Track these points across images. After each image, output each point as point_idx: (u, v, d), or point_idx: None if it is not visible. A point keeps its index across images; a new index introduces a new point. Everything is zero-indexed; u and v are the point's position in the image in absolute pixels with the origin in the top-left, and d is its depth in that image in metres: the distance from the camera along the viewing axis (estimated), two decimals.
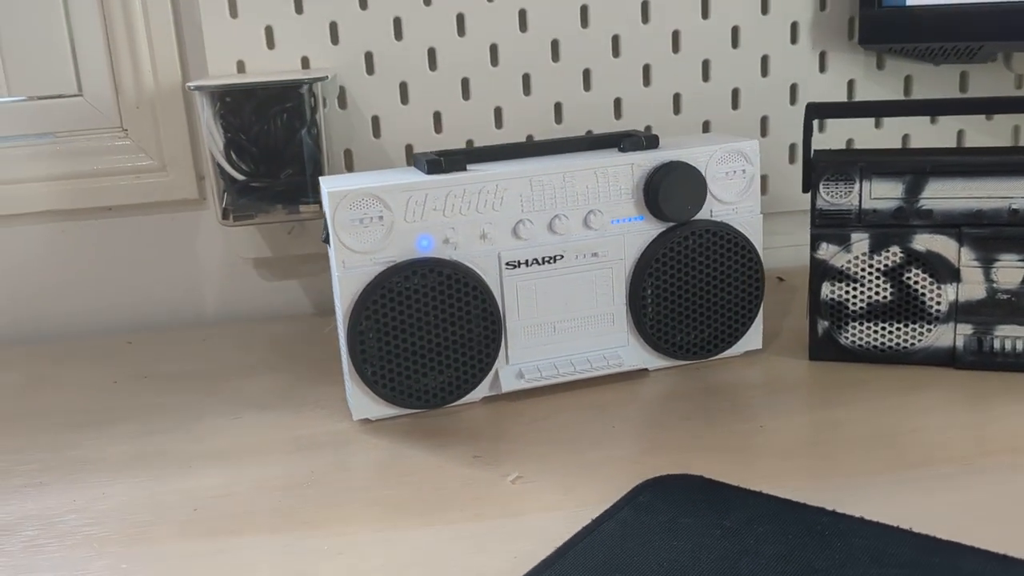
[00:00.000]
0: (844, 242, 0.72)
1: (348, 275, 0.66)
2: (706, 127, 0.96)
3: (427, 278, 0.66)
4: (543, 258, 0.70)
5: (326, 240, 0.67)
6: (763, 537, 0.50)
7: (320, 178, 0.70)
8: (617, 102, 0.94)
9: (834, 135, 0.97)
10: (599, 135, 0.74)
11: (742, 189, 0.73)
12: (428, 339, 0.67)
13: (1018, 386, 0.68)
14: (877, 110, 0.74)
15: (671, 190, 0.70)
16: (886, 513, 0.52)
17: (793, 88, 0.96)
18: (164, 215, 0.94)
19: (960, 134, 0.98)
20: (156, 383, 0.80)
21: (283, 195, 0.80)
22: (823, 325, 0.74)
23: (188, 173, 0.92)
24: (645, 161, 0.70)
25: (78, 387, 0.81)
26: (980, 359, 0.71)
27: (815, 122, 0.97)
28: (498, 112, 0.93)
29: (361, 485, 0.61)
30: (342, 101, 0.90)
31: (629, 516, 0.53)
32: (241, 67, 0.88)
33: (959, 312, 0.71)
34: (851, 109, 0.73)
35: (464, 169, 0.68)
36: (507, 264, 0.69)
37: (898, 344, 0.72)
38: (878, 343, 0.73)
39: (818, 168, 0.72)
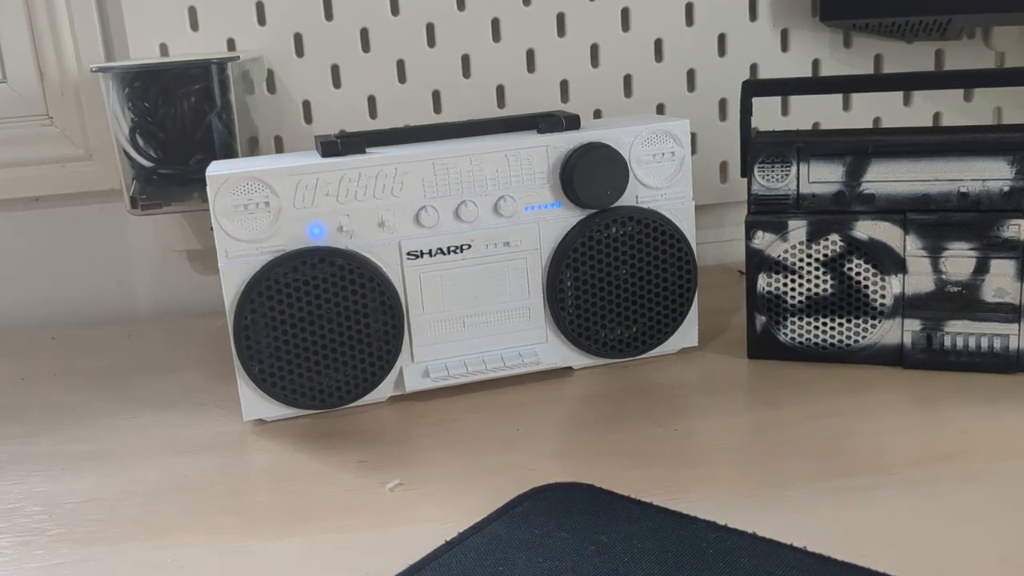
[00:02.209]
0: (781, 230, 0.66)
1: (232, 265, 0.61)
2: (660, 110, 0.90)
3: (317, 268, 0.61)
4: (449, 247, 0.65)
5: (213, 228, 0.63)
6: (639, 555, 0.45)
7: (212, 163, 0.66)
8: (564, 84, 0.89)
9: (798, 119, 0.91)
10: (515, 116, 0.69)
11: (671, 173, 0.67)
12: (321, 334, 0.62)
13: (969, 387, 0.62)
14: (822, 86, 0.68)
15: (588, 174, 0.64)
16: (787, 529, 0.47)
17: (753, 68, 0.90)
18: (92, 206, 0.90)
19: (936, 116, 0.92)
20: (66, 380, 0.77)
21: (197, 183, 0.76)
22: (761, 320, 0.68)
23: (115, 162, 0.88)
24: (561, 143, 0.65)
25: None
26: (930, 357, 0.65)
27: (776, 104, 0.91)
28: (436, 96, 0.88)
29: (232, 490, 0.56)
30: (271, 85, 0.86)
31: (500, 529, 0.48)
32: (164, 50, 0.84)
33: (906, 306, 0.65)
34: (792, 86, 0.67)
35: (363, 152, 0.64)
36: (408, 254, 0.64)
37: (840, 341, 0.66)
38: (819, 340, 0.67)
39: (753, 150, 0.66)
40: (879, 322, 0.65)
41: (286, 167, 0.61)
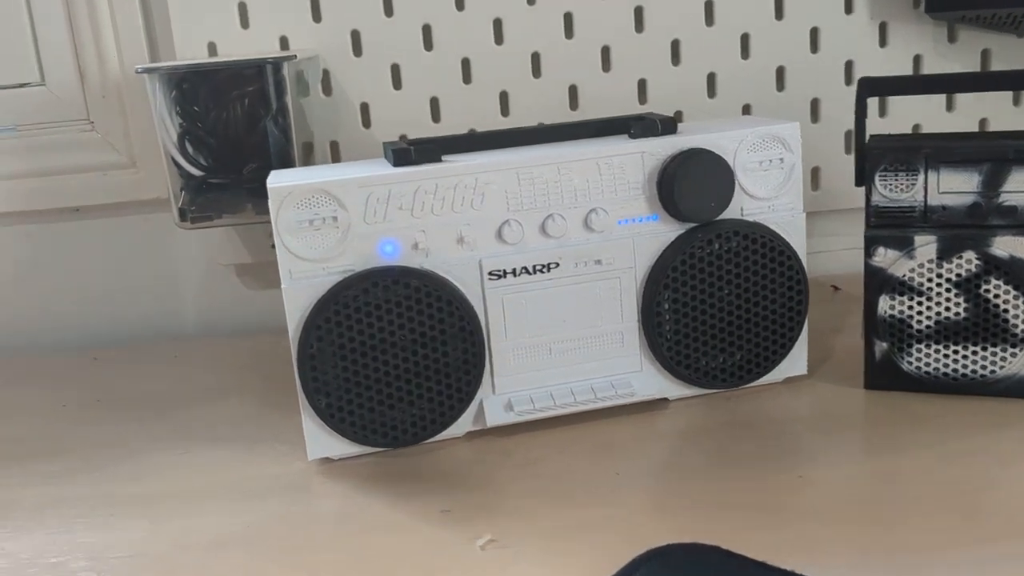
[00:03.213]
0: (906, 246, 0.59)
1: (296, 287, 0.55)
2: (746, 112, 0.83)
3: (390, 291, 0.55)
4: (534, 266, 0.58)
5: (273, 247, 0.57)
6: None
7: (272, 172, 0.59)
8: (642, 84, 0.82)
9: (897, 120, 0.83)
10: (605, 120, 0.62)
11: (780, 183, 0.60)
12: (395, 364, 0.56)
13: None
14: (947, 84, 0.60)
15: (690, 184, 0.57)
16: None
17: (848, 66, 0.82)
18: (135, 216, 0.84)
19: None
20: (108, 408, 0.71)
21: (252, 193, 0.70)
22: (881, 347, 0.61)
23: (160, 170, 0.82)
24: (658, 149, 0.58)
25: (23, 411, 0.71)
26: None
27: (874, 103, 0.83)
28: (503, 97, 0.81)
29: (299, 544, 0.50)
30: (326, 87, 0.80)
31: None
32: (212, 49, 0.78)
33: None
34: (915, 84, 0.60)
35: (438, 160, 0.57)
36: (490, 274, 0.57)
37: (974, 372, 0.59)
38: (949, 370, 0.59)
39: (872, 156, 0.59)
40: (1020, 350, 0.58)
41: (355, 178, 0.55)
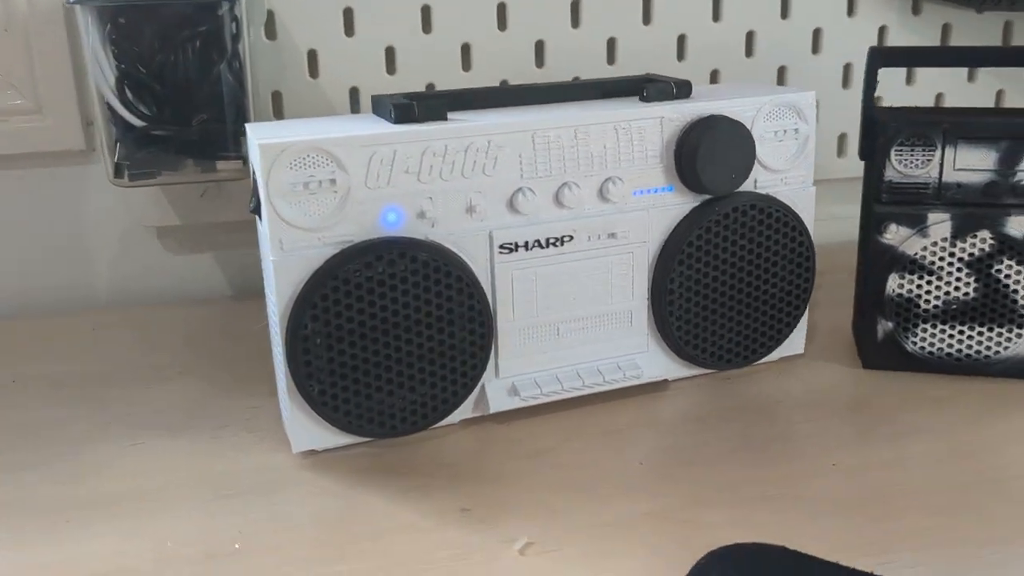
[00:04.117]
0: (918, 224, 0.57)
1: (288, 260, 0.48)
2: (713, 77, 0.80)
3: (396, 265, 0.49)
4: (547, 240, 0.53)
5: (255, 211, 0.49)
6: None
7: (248, 125, 0.52)
8: (611, 43, 0.77)
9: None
10: (614, 80, 0.58)
11: (794, 154, 0.57)
12: (396, 347, 0.50)
13: None
14: (960, 58, 0.59)
15: (712, 154, 0.54)
16: None
17: (816, 33, 0.80)
18: (42, 170, 0.74)
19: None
20: (29, 390, 0.62)
21: (195, 147, 0.61)
22: (886, 326, 0.59)
23: (72, 117, 0.72)
24: (678, 115, 0.54)
25: None
26: None
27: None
28: (466, 49, 0.75)
29: (307, 554, 0.44)
30: (270, 30, 0.71)
31: None
32: None
33: None
34: (926, 56, 0.58)
35: (444, 118, 0.51)
36: (501, 247, 0.52)
37: (979, 352, 0.58)
38: (953, 350, 0.59)
39: (890, 130, 0.57)
40: None
41: (357, 135, 0.48)
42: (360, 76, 0.74)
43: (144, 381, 0.62)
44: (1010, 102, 0.85)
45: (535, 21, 0.75)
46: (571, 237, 0.53)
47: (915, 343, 0.59)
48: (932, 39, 0.82)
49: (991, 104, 0.85)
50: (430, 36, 0.74)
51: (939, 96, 0.83)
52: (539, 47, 0.76)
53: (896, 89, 0.82)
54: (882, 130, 0.57)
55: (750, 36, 0.79)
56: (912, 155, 0.57)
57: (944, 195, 0.57)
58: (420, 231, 0.50)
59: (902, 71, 0.82)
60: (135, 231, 0.76)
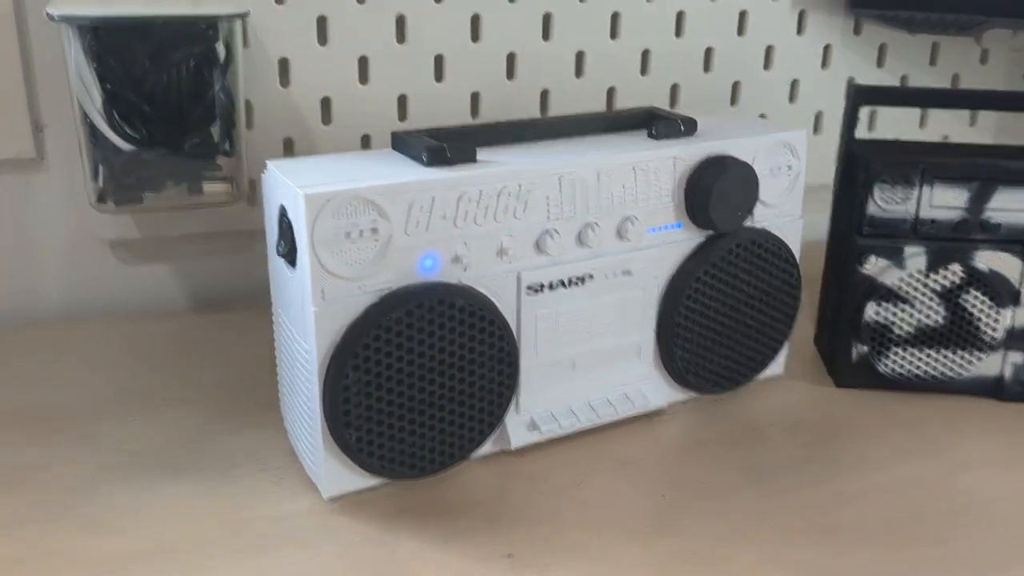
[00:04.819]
0: (896, 256, 0.61)
1: (329, 310, 0.47)
2: (674, 91, 0.82)
3: (435, 311, 0.49)
4: (569, 279, 0.54)
5: (286, 256, 0.48)
6: None
7: (271, 163, 0.50)
8: (580, 56, 0.78)
9: (805, 110, 0.86)
10: (621, 115, 0.58)
11: (786, 189, 0.60)
12: (430, 390, 0.50)
13: None
14: (938, 99, 0.63)
15: (723, 194, 0.56)
16: None
17: (768, 51, 0.84)
18: None
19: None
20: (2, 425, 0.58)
21: (183, 170, 0.59)
22: (860, 350, 0.63)
23: (20, 121, 0.67)
24: (687, 155, 0.56)
25: None
26: None
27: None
28: (439, 61, 0.74)
29: None
30: (244, 37, 0.69)
31: None
32: None
33: (1011, 339, 0.62)
34: (907, 96, 0.62)
35: (474, 160, 0.51)
36: (528, 288, 0.53)
37: (943, 373, 0.63)
38: (920, 371, 0.63)
39: (873, 169, 0.60)
40: (985, 355, 0.62)
41: (398, 183, 0.47)
42: (332, 86, 0.72)
43: (125, 411, 0.60)
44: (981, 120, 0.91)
45: (508, 33, 0.75)
46: (591, 276, 0.54)
47: (887, 365, 0.63)
48: (870, 56, 0.87)
49: (967, 123, 0.91)
50: (404, 46, 0.73)
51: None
52: (511, 60, 0.76)
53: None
54: (865, 167, 0.61)
55: (708, 53, 0.82)
56: (893, 192, 0.61)
57: (920, 230, 0.61)
58: (454, 275, 0.50)
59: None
60: (87, 243, 0.72)
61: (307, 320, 0.47)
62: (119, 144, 0.56)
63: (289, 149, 0.72)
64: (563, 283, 0.54)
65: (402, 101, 0.74)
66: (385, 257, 0.48)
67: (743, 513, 0.51)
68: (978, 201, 0.60)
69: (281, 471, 0.54)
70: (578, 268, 0.54)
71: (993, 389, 0.63)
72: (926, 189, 0.60)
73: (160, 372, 0.65)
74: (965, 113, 0.91)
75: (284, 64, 0.70)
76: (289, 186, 0.47)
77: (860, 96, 0.63)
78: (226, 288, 0.76)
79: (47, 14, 0.54)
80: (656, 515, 0.51)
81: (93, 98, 0.55)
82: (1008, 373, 0.63)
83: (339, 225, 0.46)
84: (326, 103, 0.72)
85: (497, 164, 0.51)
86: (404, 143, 0.52)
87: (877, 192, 0.61)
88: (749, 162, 0.57)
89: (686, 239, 0.57)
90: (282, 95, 0.71)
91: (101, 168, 0.57)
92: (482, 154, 0.52)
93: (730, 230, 0.58)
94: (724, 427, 0.60)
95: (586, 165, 0.52)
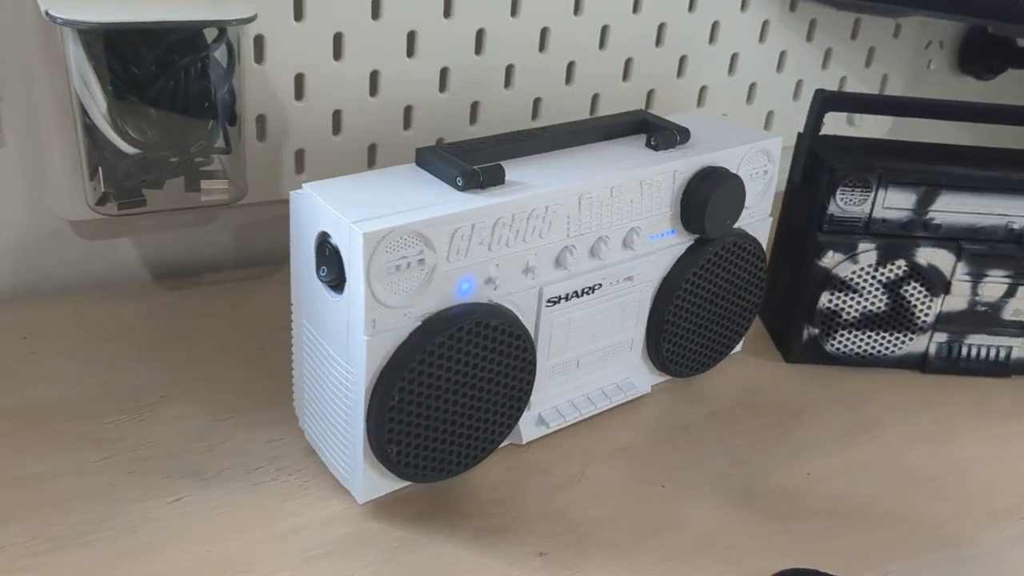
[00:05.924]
0: (850, 251, 0.68)
1: (379, 339, 0.49)
2: (628, 65, 0.84)
3: (472, 333, 0.51)
4: (582, 289, 0.57)
5: (331, 282, 0.49)
6: None
7: (307, 186, 0.50)
8: (544, 32, 0.79)
9: (742, 83, 0.91)
10: (615, 122, 0.61)
11: (761, 191, 0.65)
12: (463, 403, 0.53)
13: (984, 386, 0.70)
14: (897, 108, 0.68)
15: (717, 205, 0.60)
16: None
17: (714, 26, 0.87)
18: None
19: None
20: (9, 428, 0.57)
21: (184, 172, 0.58)
22: (811, 331, 0.70)
23: None
24: (685, 167, 0.59)
25: None
26: (947, 364, 0.72)
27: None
28: (411, 36, 0.74)
29: None
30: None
31: None
32: None
33: (938, 321, 0.70)
34: (872, 104, 0.67)
35: (503, 181, 0.53)
36: (548, 301, 0.56)
37: (879, 352, 0.71)
38: (860, 350, 0.71)
39: (837, 173, 0.66)
40: (916, 335, 0.71)
41: (444, 215, 0.49)
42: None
43: (117, 408, 0.60)
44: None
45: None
46: (600, 285, 0.58)
47: (833, 345, 0.71)
48: (802, 31, 0.92)
49: None
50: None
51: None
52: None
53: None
54: (829, 171, 0.66)
55: (661, 28, 0.84)
56: (852, 195, 0.67)
57: (872, 228, 0.68)
58: (485, 295, 0.53)
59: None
60: (46, 220, 0.69)
61: (355, 346, 0.49)
62: (123, 147, 0.54)
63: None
64: (576, 293, 0.57)
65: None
66: (430, 285, 0.50)
67: (734, 500, 0.57)
68: (923, 203, 0.67)
69: (304, 473, 0.56)
70: (590, 279, 0.57)
71: (919, 363, 0.72)
72: (881, 192, 0.67)
73: (140, 361, 0.65)
74: None
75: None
76: (336, 216, 0.47)
77: (827, 103, 0.67)
78: (188, 259, 0.75)
79: (46, 14, 0.51)
80: (660, 507, 0.57)
81: (98, 103, 0.53)
82: (932, 351, 0.71)
83: (390, 259, 0.48)
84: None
85: (524, 187, 0.53)
86: (431, 163, 0.53)
87: (840, 195, 0.67)
88: (735, 170, 0.62)
89: (678, 243, 0.62)
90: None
91: (101, 170, 0.55)
92: (509, 173, 0.54)
93: (718, 235, 0.62)
94: (695, 409, 0.66)
95: (601, 184, 0.55)
